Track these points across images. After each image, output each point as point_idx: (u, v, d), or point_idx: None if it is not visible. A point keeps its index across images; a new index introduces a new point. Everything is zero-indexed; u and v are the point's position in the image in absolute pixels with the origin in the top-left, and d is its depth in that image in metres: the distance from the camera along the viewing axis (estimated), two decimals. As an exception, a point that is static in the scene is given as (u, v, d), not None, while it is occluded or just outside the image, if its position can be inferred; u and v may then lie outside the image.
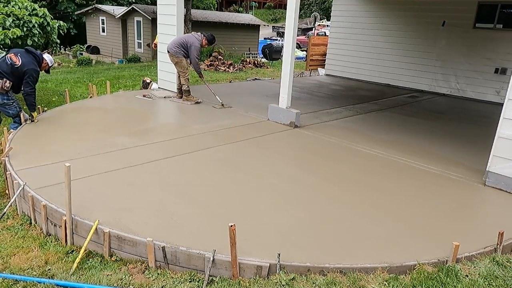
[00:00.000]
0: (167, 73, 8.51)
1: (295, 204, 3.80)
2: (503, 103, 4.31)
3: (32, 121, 5.87)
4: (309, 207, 3.74)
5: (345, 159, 5.12)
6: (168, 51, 7.44)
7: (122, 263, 3.02)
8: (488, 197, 4.32)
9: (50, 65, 6.08)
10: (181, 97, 7.79)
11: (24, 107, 5.98)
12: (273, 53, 17.79)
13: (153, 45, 8.64)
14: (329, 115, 7.37)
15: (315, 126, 6.53)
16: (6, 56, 5.65)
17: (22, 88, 5.71)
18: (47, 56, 6.02)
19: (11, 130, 5.65)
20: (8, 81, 5.50)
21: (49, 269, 2.94)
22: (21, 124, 5.75)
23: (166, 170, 4.39)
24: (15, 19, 7.20)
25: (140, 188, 3.89)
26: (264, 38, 27.86)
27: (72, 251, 3.18)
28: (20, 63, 5.55)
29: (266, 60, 18.23)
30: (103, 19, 22.62)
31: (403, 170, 4.84)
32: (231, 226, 2.67)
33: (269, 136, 5.88)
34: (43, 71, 6.11)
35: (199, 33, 7.42)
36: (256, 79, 12.17)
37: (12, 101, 5.68)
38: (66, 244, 3.26)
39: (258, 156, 5.05)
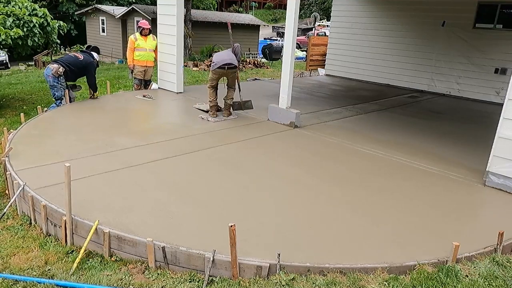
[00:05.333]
0: (166, 73, 8.52)
1: (295, 204, 3.80)
2: (503, 103, 4.31)
3: (94, 97, 7.50)
4: (309, 207, 3.74)
5: (345, 159, 5.12)
6: (232, 66, 6.31)
7: (122, 263, 3.02)
8: (488, 197, 4.32)
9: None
10: (217, 115, 6.66)
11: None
12: (273, 53, 17.78)
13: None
14: (329, 115, 7.37)
15: (315, 126, 6.53)
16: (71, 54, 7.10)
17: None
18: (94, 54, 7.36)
19: (48, 110, 6.64)
20: (61, 67, 6.56)
21: (49, 269, 2.94)
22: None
23: (166, 170, 4.39)
24: (15, 19, 7.20)
25: (140, 188, 3.89)
26: (264, 38, 27.88)
27: (72, 251, 3.18)
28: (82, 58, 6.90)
29: (266, 60, 18.23)
30: (103, 19, 22.62)
31: (403, 170, 4.84)
32: (231, 226, 2.67)
33: (269, 136, 5.89)
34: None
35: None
36: (256, 79, 12.18)
37: (60, 85, 6.68)
38: (66, 244, 3.26)
39: (258, 156, 5.05)
